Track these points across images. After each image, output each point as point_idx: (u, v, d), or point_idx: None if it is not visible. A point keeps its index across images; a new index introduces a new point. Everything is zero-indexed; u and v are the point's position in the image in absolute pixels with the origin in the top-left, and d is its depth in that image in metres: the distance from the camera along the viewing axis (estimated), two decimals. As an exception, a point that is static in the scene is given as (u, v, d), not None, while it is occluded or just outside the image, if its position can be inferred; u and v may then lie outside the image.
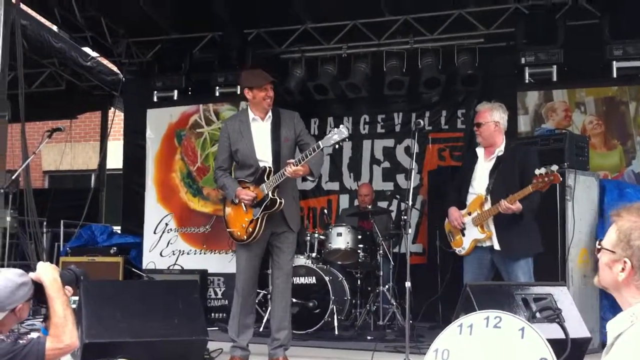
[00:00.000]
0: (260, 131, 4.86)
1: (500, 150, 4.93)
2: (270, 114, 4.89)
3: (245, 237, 4.78)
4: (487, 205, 4.82)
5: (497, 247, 4.82)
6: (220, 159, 5.00)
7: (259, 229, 4.73)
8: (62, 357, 2.71)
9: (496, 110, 4.97)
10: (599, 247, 1.87)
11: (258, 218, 4.73)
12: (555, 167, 4.53)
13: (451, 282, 5.95)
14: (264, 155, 4.82)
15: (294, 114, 5.00)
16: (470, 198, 4.97)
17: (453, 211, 5.01)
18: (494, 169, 4.90)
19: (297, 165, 4.58)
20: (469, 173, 5.03)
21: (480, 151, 5.06)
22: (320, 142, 4.61)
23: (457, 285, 4.95)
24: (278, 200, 4.70)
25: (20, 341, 2.57)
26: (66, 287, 2.78)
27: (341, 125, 4.66)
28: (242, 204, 4.80)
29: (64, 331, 2.64)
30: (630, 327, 1.70)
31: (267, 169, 4.76)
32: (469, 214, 4.94)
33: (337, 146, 4.75)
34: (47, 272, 2.72)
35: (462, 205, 5.01)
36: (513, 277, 4.75)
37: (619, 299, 1.80)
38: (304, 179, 5.54)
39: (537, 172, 4.55)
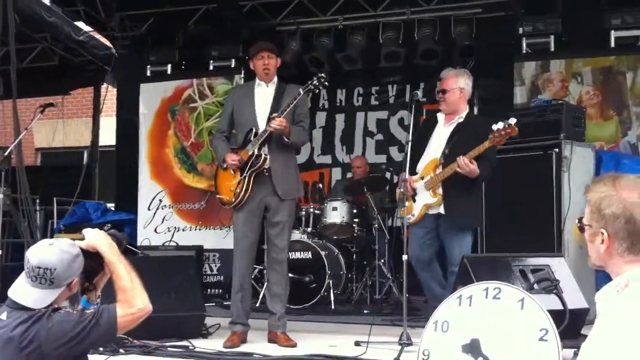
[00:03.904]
0: (264, 95, 4.83)
1: (460, 117, 4.85)
2: (275, 81, 4.85)
3: (233, 199, 4.72)
4: (440, 169, 4.73)
5: (442, 211, 4.74)
6: (221, 122, 5.04)
7: (246, 189, 4.66)
8: (135, 324, 2.45)
9: (461, 77, 4.88)
10: (579, 224, 1.89)
11: (245, 177, 4.67)
12: (513, 120, 4.42)
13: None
14: (263, 119, 4.75)
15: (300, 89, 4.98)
16: (424, 162, 4.88)
17: (403, 176, 4.91)
18: (452, 134, 4.81)
19: (280, 117, 4.55)
20: (426, 137, 4.93)
21: (440, 117, 4.98)
22: (300, 89, 4.63)
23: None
24: (263, 156, 4.64)
25: (87, 311, 2.38)
26: None
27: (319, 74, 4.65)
28: (231, 169, 4.77)
29: (134, 295, 2.43)
30: (616, 296, 1.72)
31: (252, 130, 4.72)
32: (422, 178, 4.84)
33: (317, 91, 4.72)
34: (100, 237, 2.52)
35: (414, 171, 4.91)
36: (451, 251, 4.72)
37: (610, 273, 1.82)
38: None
39: (494, 127, 4.45)
